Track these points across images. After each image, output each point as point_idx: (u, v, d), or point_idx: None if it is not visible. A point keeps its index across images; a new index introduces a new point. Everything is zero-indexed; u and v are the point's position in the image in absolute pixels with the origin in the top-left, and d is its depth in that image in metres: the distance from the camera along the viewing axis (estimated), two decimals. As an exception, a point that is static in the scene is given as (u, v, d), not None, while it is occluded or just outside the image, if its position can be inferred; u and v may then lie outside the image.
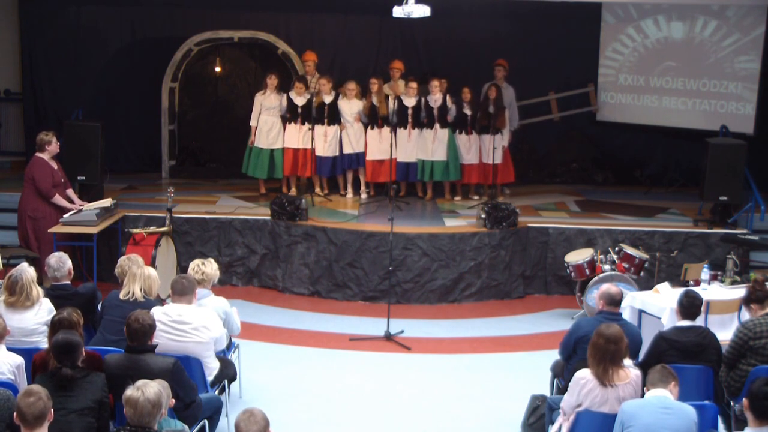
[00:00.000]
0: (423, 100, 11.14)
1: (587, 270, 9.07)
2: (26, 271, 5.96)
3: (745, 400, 4.54)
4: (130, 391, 4.34)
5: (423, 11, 9.50)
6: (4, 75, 13.22)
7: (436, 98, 11.16)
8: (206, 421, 5.65)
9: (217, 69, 13.33)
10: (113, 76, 13.00)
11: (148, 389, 4.34)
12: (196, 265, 6.55)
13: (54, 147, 9.38)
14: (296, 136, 11.15)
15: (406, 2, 9.54)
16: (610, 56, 13.00)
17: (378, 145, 11.13)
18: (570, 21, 12.72)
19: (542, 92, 13.09)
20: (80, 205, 9.42)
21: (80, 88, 12.93)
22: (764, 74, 11.86)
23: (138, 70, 12.95)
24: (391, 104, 11.09)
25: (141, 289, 6.15)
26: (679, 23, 12.43)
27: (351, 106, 11.16)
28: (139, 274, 6.19)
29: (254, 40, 12.79)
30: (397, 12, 9.55)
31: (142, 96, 12.96)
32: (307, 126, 11.05)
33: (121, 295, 6.14)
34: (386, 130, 11.08)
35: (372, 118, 11.18)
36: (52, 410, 4.32)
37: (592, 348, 5.21)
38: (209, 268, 6.57)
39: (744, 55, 11.95)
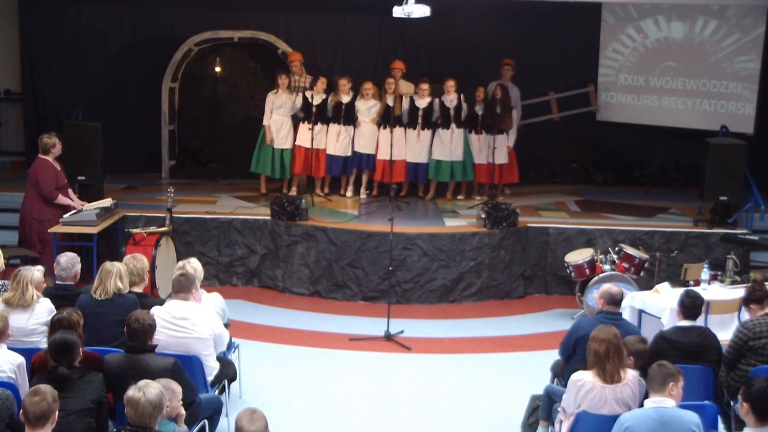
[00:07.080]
0: (437, 101, 11.16)
1: (587, 270, 9.07)
2: (32, 271, 5.95)
3: (745, 405, 4.48)
4: (132, 392, 4.35)
5: (423, 11, 9.50)
6: (4, 75, 13.22)
7: (451, 98, 11.18)
8: (206, 421, 5.65)
9: (217, 69, 13.34)
10: (113, 76, 13.00)
11: (149, 390, 4.34)
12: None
13: (57, 149, 9.40)
14: (308, 136, 11.12)
15: (406, 2, 9.53)
16: (610, 56, 12.99)
17: (388, 145, 11.13)
18: (570, 21, 12.72)
19: (542, 92, 13.09)
20: (81, 205, 9.42)
21: (80, 88, 12.94)
22: (764, 74, 11.86)
23: (138, 70, 12.95)
24: (405, 104, 11.11)
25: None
26: (679, 23, 12.43)
27: (368, 106, 11.18)
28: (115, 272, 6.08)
29: (254, 40, 12.79)
30: (397, 12, 9.54)
31: (142, 96, 12.95)
32: (319, 125, 11.05)
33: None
34: (396, 130, 11.08)
35: (385, 118, 11.19)
36: (56, 413, 4.31)
37: (592, 352, 5.18)
38: (191, 268, 6.47)
39: (744, 55, 11.96)
